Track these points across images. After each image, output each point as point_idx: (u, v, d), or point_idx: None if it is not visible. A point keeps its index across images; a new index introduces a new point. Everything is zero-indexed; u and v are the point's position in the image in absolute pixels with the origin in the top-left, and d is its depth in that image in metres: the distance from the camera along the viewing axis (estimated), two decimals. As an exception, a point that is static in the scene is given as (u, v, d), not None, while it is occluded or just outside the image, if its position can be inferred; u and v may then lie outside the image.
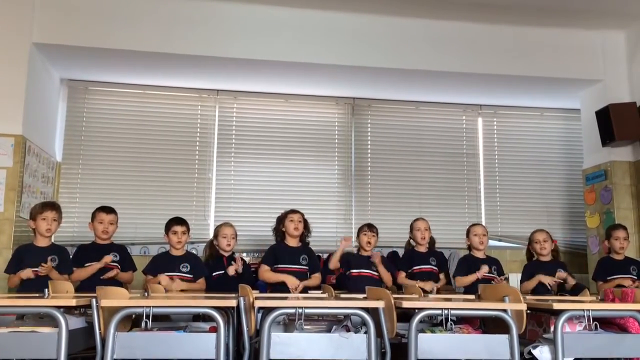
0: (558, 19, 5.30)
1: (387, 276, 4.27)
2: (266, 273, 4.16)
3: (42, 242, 3.85)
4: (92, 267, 3.90)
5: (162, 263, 4.04)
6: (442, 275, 4.43)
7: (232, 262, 4.20)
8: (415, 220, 4.55)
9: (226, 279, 4.12)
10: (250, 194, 5.65)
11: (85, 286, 3.81)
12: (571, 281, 4.24)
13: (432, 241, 4.55)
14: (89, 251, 4.03)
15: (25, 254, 3.76)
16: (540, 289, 4.22)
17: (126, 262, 4.10)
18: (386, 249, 5.31)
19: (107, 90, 5.62)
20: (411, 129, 6.05)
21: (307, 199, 5.61)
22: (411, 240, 4.57)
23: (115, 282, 3.88)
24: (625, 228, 4.54)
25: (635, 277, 4.34)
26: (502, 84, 5.60)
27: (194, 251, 5.07)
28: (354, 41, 5.17)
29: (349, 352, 2.45)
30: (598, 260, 4.69)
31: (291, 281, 4.05)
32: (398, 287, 4.45)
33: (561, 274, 4.20)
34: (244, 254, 5.17)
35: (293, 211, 4.34)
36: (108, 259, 3.92)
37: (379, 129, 6.02)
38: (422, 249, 4.47)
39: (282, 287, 4.05)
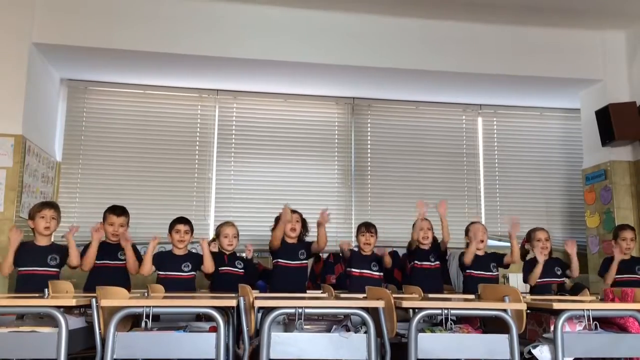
0: (558, 19, 5.31)
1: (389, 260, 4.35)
2: (272, 240, 4.26)
3: (42, 242, 3.85)
4: (92, 247, 3.91)
5: (164, 261, 4.05)
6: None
7: (237, 263, 4.23)
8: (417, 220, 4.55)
9: (227, 278, 4.13)
10: (250, 193, 5.66)
11: (90, 287, 3.80)
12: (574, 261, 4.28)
13: (434, 241, 4.54)
14: (99, 250, 4.02)
15: (25, 252, 3.76)
16: (542, 289, 4.23)
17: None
18: (386, 249, 5.30)
19: (106, 90, 5.62)
20: (411, 128, 6.05)
21: (307, 199, 5.61)
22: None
23: (120, 280, 3.87)
24: (632, 228, 4.53)
25: None
26: (502, 84, 5.61)
27: (193, 250, 5.07)
28: (353, 41, 5.17)
29: (349, 352, 2.44)
30: (604, 258, 4.68)
31: (285, 213, 4.17)
32: (398, 287, 4.45)
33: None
34: (244, 254, 5.16)
35: (291, 212, 4.35)
36: (98, 234, 3.94)
37: (378, 129, 6.02)
38: (425, 247, 4.47)
39: (283, 287, 4.05)
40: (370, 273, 4.28)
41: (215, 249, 4.20)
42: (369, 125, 6.02)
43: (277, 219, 4.40)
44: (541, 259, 4.22)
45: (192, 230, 4.18)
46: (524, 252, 4.54)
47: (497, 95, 5.93)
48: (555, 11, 5.16)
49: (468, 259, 4.25)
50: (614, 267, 4.31)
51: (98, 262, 3.97)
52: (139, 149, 5.58)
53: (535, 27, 5.40)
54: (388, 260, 4.32)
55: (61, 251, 3.88)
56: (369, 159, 5.94)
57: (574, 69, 5.46)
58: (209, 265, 4.05)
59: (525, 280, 4.36)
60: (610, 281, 4.33)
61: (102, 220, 4.12)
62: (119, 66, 5.22)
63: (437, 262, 4.42)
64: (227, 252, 4.28)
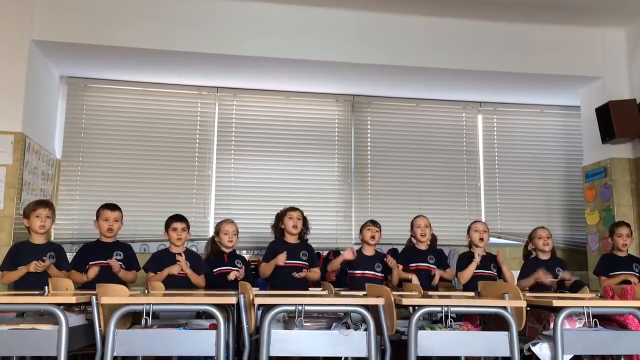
0: (558, 16, 5.30)
1: (396, 278, 4.29)
2: (263, 268, 4.19)
3: (38, 240, 3.83)
4: (89, 274, 3.86)
5: (162, 260, 4.04)
6: (449, 270, 4.44)
7: (237, 262, 4.21)
8: (415, 218, 4.54)
9: (227, 277, 4.13)
10: (250, 191, 5.66)
11: (87, 285, 3.81)
12: (571, 278, 4.26)
13: (433, 239, 4.54)
14: (94, 250, 4.02)
15: (21, 252, 3.75)
16: (540, 286, 4.23)
17: (130, 261, 4.09)
18: (386, 246, 5.31)
19: (106, 87, 5.62)
20: (411, 126, 6.05)
21: (307, 196, 5.62)
22: (412, 238, 4.57)
23: (116, 279, 3.87)
24: (628, 225, 4.53)
25: (638, 275, 4.34)
26: (502, 81, 5.60)
27: (193, 248, 5.09)
28: (353, 38, 5.17)
29: (349, 349, 2.44)
30: (601, 255, 4.69)
31: (281, 257, 4.09)
32: (398, 285, 4.45)
33: (564, 274, 4.21)
34: (244, 252, 5.17)
35: (292, 209, 4.34)
36: (115, 263, 3.91)
37: (378, 126, 6.02)
38: (423, 246, 4.46)
39: (282, 285, 4.05)
40: (374, 274, 4.26)
41: (240, 277, 4.13)
42: (369, 122, 6.01)
43: (278, 216, 4.39)
44: (539, 276, 4.18)
45: (188, 227, 4.17)
46: (526, 254, 4.54)
47: (497, 92, 5.92)
48: (555, 8, 5.15)
49: (464, 278, 4.25)
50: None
51: (94, 262, 3.96)
52: (138, 147, 5.58)
53: (535, 24, 5.40)
54: (392, 262, 4.29)
55: (57, 249, 3.88)
56: (369, 157, 5.94)
57: (574, 66, 5.45)
58: (198, 282, 4.03)
59: (518, 280, 4.34)
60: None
61: (95, 218, 4.11)
62: (118, 63, 5.21)
63: (434, 266, 4.40)
64: (227, 251, 4.27)
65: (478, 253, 4.27)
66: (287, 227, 4.27)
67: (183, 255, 4.01)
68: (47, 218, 3.83)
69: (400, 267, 4.36)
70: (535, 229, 4.49)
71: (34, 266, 3.60)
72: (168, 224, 4.13)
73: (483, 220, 5.77)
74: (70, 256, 4.09)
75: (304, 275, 4.13)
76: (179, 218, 4.15)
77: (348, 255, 4.24)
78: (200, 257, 4.25)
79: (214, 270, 4.18)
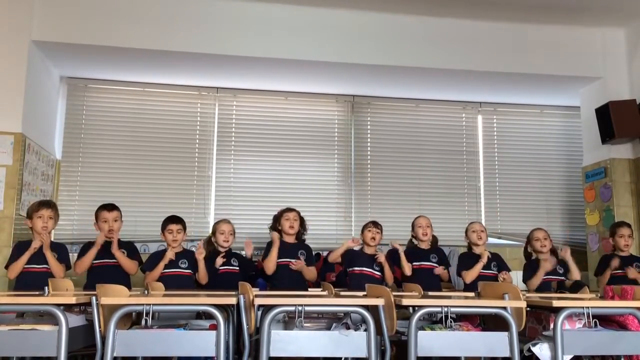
0: (558, 16, 5.30)
1: (389, 274, 4.30)
2: (266, 264, 4.20)
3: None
4: (90, 253, 3.93)
5: (160, 260, 4.04)
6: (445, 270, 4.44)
7: (233, 261, 4.22)
8: (416, 218, 4.55)
9: (226, 277, 4.13)
10: (250, 191, 5.66)
11: (90, 286, 3.81)
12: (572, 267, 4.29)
13: (434, 239, 4.54)
14: (99, 249, 4.03)
15: (24, 250, 3.76)
16: (542, 287, 4.23)
17: (133, 255, 4.11)
18: (386, 247, 5.30)
19: (106, 87, 5.62)
20: (411, 126, 6.05)
21: (307, 197, 5.62)
22: (413, 239, 4.57)
23: (120, 278, 3.87)
24: (629, 225, 4.54)
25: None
26: (502, 82, 5.60)
27: (193, 249, 5.08)
28: (353, 38, 5.17)
29: (349, 350, 2.44)
30: (602, 256, 4.68)
31: (275, 239, 4.19)
32: (398, 285, 4.45)
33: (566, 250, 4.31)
34: (243, 252, 5.16)
35: (289, 209, 4.38)
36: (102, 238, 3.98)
37: (378, 127, 6.02)
38: (424, 245, 4.47)
39: (283, 285, 4.05)
40: (372, 272, 4.27)
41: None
42: (368, 122, 6.01)
43: (275, 217, 4.40)
44: (546, 265, 4.20)
45: (184, 228, 4.17)
46: (527, 254, 4.53)
47: (497, 92, 5.92)
48: (555, 8, 5.16)
49: (470, 277, 4.24)
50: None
51: (97, 261, 3.97)
52: (138, 147, 5.57)
53: (535, 24, 5.40)
54: (384, 260, 4.30)
55: (60, 249, 3.89)
56: (368, 157, 5.94)
57: (574, 66, 5.45)
58: (202, 277, 4.05)
59: (524, 281, 4.34)
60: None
61: (95, 221, 4.11)
62: (118, 64, 5.21)
63: (437, 265, 4.40)
64: (223, 250, 4.26)
65: (481, 252, 4.27)
66: (284, 228, 4.31)
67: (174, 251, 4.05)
68: (49, 219, 3.84)
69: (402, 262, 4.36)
70: (533, 231, 4.47)
71: (39, 239, 3.70)
72: (163, 225, 4.13)
73: (483, 220, 5.79)
74: (71, 256, 4.09)
75: (300, 266, 4.16)
76: (174, 220, 4.14)
77: (350, 243, 4.28)
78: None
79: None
